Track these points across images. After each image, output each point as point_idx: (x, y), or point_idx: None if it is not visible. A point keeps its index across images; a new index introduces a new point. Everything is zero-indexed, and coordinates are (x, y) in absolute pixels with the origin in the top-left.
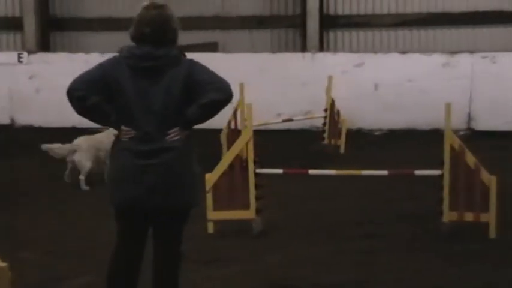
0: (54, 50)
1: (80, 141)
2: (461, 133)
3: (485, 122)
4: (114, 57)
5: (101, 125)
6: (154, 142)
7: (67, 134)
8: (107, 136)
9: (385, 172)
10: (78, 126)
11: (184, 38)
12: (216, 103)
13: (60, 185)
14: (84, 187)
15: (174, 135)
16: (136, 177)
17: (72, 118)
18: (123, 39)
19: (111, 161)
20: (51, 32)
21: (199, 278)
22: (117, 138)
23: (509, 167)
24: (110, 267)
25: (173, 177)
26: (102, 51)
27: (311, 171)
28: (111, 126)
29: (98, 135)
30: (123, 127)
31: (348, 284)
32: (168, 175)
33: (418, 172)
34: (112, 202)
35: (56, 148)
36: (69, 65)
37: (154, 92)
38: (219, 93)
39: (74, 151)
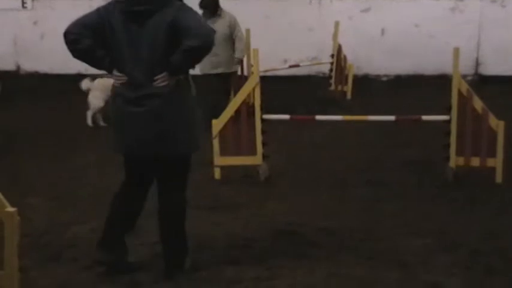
0: None
1: (96, 81)
2: (469, 78)
3: (493, 67)
4: (111, 2)
5: (97, 68)
6: (142, 89)
7: (72, 80)
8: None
9: (392, 117)
10: (84, 72)
11: None
12: (195, 49)
13: (68, 132)
14: (101, 123)
15: (160, 81)
16: (126, 125)
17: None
18: None
19: (111, 105)
20: None
21: (204, 224)
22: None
23: None
24: (110, 208)
25: (161, 125)
26: None
27: (318, 117)
28: (105, 71)
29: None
30: (115, 72)
31: (353, 229)
32: (155, 123)
33: (425, 117)
34: (111, 147)
35: (83, 83)
36: (73, 10)
37: (142, 37)
38: (197, 40)
39: (89, 90)
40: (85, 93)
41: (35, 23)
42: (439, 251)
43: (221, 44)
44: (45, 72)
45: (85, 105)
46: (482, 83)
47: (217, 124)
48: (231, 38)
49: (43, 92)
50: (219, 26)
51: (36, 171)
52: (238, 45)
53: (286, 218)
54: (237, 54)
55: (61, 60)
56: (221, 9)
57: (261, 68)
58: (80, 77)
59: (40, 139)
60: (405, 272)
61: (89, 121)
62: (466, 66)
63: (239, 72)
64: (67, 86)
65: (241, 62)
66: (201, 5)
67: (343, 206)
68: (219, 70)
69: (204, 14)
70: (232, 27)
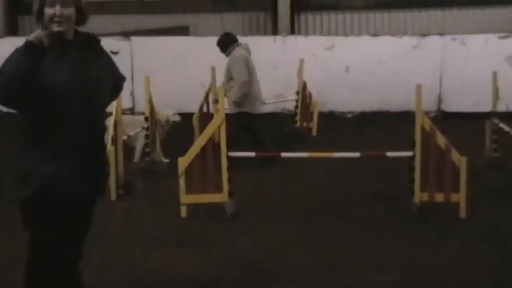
0: (23, 34)
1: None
2: (432, 115)
3: (455, 104)
4: None
5: None
6: None
7: None
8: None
9: (357, 154)
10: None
11: (156, 21)
12: None
13: None
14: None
15: None
16: None
17: None
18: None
19: None
20: (20, 16)
21: (171, 261)
22: None
23: (479, 148)
24: None
25: None
26: None
27: (283, 154)
28: None
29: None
30: None
31: (320, 264)
32: None
33: (389, 154)
34: None
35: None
36: None
37: None
38: None
39: None
40: None
41: None
42: (405, 286)
43: (225, 86)
44: (7, 111)
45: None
46: (445, 119)
47: (183, 162)
48: (232, 80)
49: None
50: (227, 66)
51: None
52: (234, 87)
53: (253, 254)
54: (231, 96)
55: None
56: (232, 48)
57: (226, 105)
58: None
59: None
60: None
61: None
62: (429, 103)
63: (204, 110)
64: None
65: (237, 103)
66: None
67: (310, 241)
68: (228, 111)
69: None
70: (229, 68)
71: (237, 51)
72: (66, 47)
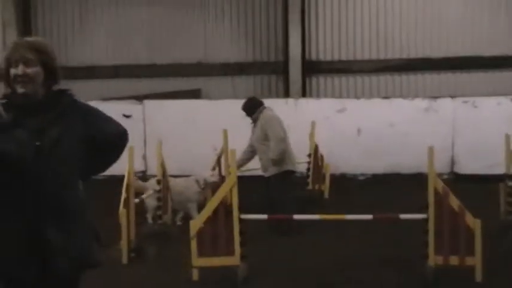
0: None
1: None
2: (445, 177)
3: (467, 166)
4: None
5: None
6: None
7: None
8: (185, 181)
9: (369, 216)
10: None
11: (168, 85)
12: None
13: None
14: (150, 221)
15: None
16: None
17: None
18: (105, 86)
19: None
20: None
21: None
22: None
23: (493, 211)
24: None
25: None
26: (86, 99)
27: (296, 217)
28: None
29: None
30: None
31: None
32: None
33: (403, 216)
34: None
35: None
36: None
37: None
38: None
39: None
40: None
41: None
42: None
43: (259, 148)
44: None
45: None
46: (457, 181)
47: (194, 224)
48: (267, 140)
49: None
50: (257, 130)
51: None
52: (271, 145)
53: None
54: (270, 155)
55: None
56: (259, 112)
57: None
58: None
59: None
60: None
61: (149, 220)
62: (441, 165)
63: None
64: None
65: (276, 161)
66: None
67: None
68: (266, 174)
69: None
70: (265, 127)
71: (268, 112)
72: (29, 109)
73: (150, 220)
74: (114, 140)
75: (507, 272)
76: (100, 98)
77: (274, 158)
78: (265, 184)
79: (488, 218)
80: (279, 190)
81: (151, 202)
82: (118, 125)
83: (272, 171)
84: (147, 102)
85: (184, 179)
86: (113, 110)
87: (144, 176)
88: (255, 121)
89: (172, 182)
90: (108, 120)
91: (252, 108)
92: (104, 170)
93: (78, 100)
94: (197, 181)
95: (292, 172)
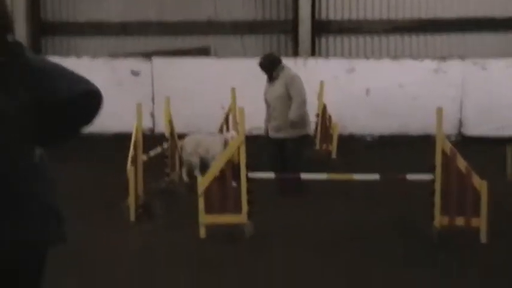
0: (46, 54)
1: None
2: (452, 139)
3: (475, 128)
4: None
5: None
6: None
7: None
8: (213, 138)
9: (377, 176)
10: None
11: (177, 42)
12: None
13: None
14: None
15: None
16: None
17: None
18: (114, 43)
19: None
20: (43, 36)
21: (189, 282)
22: None
23: (499, 172)
24: None
25: None
26: (93, 56)
27: (303, 176)
28: None
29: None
30: None
31: None
32: None
33: (410, 176)
34: None
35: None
36: None
37: None
38: None
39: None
40: None
41: None
42: None
43: (277, 108)
44: None
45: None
46: (465, 143)
47: (203, 182)
48: (289, 100)
49: None
50: (276, 88)
51: None
52: (292, 106)
53: (271, 278)
54: (289, 115)
55: None
56: (280, 69)
57: (246, 127)
58: None
59: None
60: None
61: (185, 177)
62: (449, 127)
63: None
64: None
65: (295, 124)
66: (260, 65)
67: (328, 266)
68: (280, 135)
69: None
70: (288, 87)
71: (291, 71)
72: None
73: (185, 177)
74: (77, 101)
75: (511, 234)
76: (108, 55)
77: (294, 119)
78: (276, 145)
79: (495, 179)
80: (297, 154)
81: (194, 159)
82: (85, 83)
83: (290, 133)
84: (155, 59)
85: (211, 137)
86: (121, 67)
87: (152, 134)
88: (273, 78)
89: (198, 138)
90: (70, 78)
91: (273, 64)
92: (71, 134)
93: (31, 56)
94: (225, 140)
95: (309, 136)
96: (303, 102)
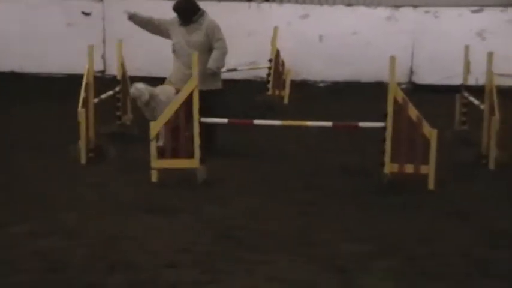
0: None
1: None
2: (403, 86)
3: (426, 76)
4: None
5: None
6: None
7: (5, 79)
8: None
9: (329, 123)
10: (18, 70)
11: None
12: None
13: (7, 136)
14: None
15: None
16: None
17: (10, 63)
18: None
19: None
20: None
21: (141, 227)
22: None
23: (448, 121)
24: None
25: None
26: None
27: (256, 122)
28: None
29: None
30: None
31: (291, 233)
32: None
33: (362, 124)
34: None
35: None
36: (9, 8)
37: None
38: None
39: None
40: None
41: None
42: (375, 256)
43: (195, 56)
44: None
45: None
46: (415, 91)
47: (154, 127)
48: (209, 49)
49: None
50: (194, 34)
51: None
52: (214, 55)
53: (224, 221)
54: (209, 64)
55: None
56: (201, 14)
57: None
58: (14, 75)
59: None
60: (343, 277)
61: None
62: (400, 75)
63: None
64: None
65: (214, 76)
66: (173, 9)
67: (281, 210)
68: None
69: (178, 19)
70: (211, 35)
71: (212, 19)
72: None
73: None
74: None
75: (458, 181)
76: None
77: (215, 69)
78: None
79: (444, 128)
80: (225, 106)
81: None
82: None
83: (209, 85)
84: (107, 0)
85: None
86: (71, 7)
87: (103, 77)
88: (190, 24)
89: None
90: None
91: (196, 8)
92: None
93: None
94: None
95: (223, 91)
96: (226, 54)
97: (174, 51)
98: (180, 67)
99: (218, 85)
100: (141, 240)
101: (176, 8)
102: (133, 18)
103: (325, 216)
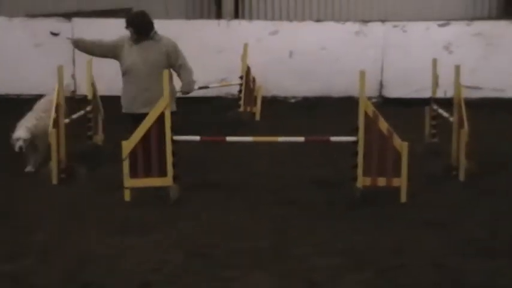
0: None
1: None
2: (373, 100)
3: (395, 90)
4: None
5: None
6: None
7: None
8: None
9: (301, 139)
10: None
11: (98, 3)
12: None
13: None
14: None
15: None
16: None
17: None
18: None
19: None
20: None
21: (114, 246)
22: None
23: (418, 133)
24: None
25: None
26: (10, 15)
27: (228, 138)
28: None
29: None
30: None
31: (263, 250)
32: None
33: (333, 138)
34: None
35: None
36: None
37: None
38: None
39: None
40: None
41: None
42: (347, 270)
43: (153, 76)
44: None
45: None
46: (385, 104)
47: (127, 146)
48: (165, 68)
49: None
50: (151, 53)
51: None
52: (185, 76)
53: (197, 239)
54: (184, 88)
55: None
56: (155, 32)
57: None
58: None
59: None
60: None
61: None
62: (370, 89)
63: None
64: None
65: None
66: (127, 23)
67: (254, 226)
68: (148, 109)
69: (131, 35)
70: (172, 54)
71: (168, 37)
72: None
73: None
74: None
75: (429, 193)
76: (26, 15)
77: (188, 91)
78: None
79: (414, 140)
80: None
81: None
82: None
83: (173, 107)
84: (75, 20)
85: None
86: (40, 27)
87: (73, 96)
88: (143, 41)
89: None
90: None
91: (151, 25)
92: None
93: None
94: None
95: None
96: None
97: (126, 72)
98: (136, 89)
99: (174, 107)
100: (113, 260)
101: (131, 22)
102: (77, 44)
103: (297, 230)
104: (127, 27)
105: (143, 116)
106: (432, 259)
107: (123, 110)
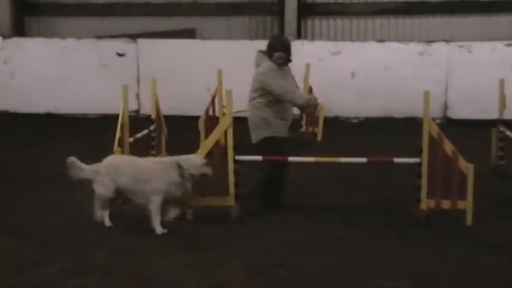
0: (30, 35)
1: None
2: (438, 121)
3: (460, 111)
4: None
5: None
6: None
7: (42, 120)
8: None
9: (364, 159)
10: (54, 111)
11: (163, 24)
12: None
13: (39, 172)
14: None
15: None
16: None
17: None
18: (99, 24)
19: None
20: (27, 17)
21: (176, 264)
22: None
23: (484, 155)
24: None
25: None
26: (78, 37)
27: (290, 158)
28: None
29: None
30: None
31: (325, 269)
32: None
33: (397, 160)
34: None
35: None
36: (45, 50)
37: None
38: None
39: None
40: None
41: (5, 62)
42: None
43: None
44: (15, 111)
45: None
46: (450, 126)
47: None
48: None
49: (12, 129)
50: (291, 75)
51: (4, 209)
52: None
53: (258, 258)
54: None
55: (30, 99)
56: None
57: (233, 109)
58: (50, 116)
59: (10, 177)
60: None
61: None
62: (434, 110)
63: (210, 113)
64: (37, 125)
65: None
66: (279, 48)
67: (315, 246)
68: (286, 134)
69: (278, 60)
70: (290, 76)
71: None
72: None
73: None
74: None
75: (496, 216)
76: (93, 36)
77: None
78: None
79: (480, 162)
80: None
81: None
82: None
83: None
84: (140, 41)
85: (155, 159)
86: (106, 48)
87: (137, 116)
88: (285, 64)
89: (136, 163)
90: None
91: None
92: None
93: None
94: (179, 166)
95: None
96: None
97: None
98: (288, 114)
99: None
100: (175, 278)
101: (286, 47)
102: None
103: (359, 252)
104: (276, 51)
105: (285, 139)
106: (497, 284)
107: (272, 134)
